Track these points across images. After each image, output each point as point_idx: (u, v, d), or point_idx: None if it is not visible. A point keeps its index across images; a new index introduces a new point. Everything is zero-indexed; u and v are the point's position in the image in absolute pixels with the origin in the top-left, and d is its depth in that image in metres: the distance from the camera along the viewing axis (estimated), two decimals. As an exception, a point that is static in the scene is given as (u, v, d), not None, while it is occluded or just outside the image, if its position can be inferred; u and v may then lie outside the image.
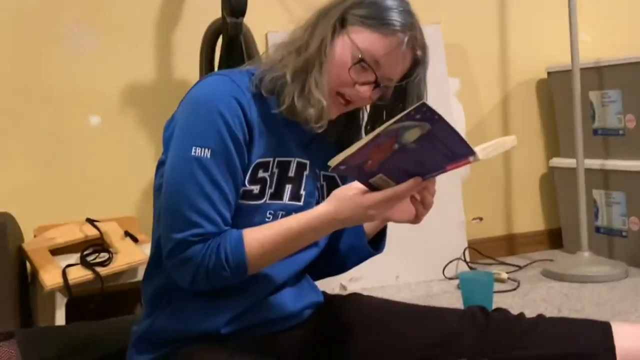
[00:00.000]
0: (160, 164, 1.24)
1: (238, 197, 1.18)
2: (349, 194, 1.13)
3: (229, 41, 2.06)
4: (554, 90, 2.73)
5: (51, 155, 2.15)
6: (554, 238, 2.83)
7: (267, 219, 1.21)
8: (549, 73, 2.74)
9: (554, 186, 2.78)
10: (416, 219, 1.23)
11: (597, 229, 2.56)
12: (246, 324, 1.24)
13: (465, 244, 2.49)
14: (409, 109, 1.00)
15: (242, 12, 1.96)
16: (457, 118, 2.64)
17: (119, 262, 1.90)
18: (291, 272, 1.30)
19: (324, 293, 1.44)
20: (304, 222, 1.15)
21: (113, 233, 2.01)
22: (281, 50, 1.22)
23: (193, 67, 2.16)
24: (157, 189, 1.25)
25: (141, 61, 2.25)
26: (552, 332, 1.40)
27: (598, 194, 2.55)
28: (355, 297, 1.47)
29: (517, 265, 2.54)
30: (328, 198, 1.16)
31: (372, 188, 1.13)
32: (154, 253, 1.25)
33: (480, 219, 2.71)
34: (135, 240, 2.03)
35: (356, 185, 1.14)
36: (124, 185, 2.22)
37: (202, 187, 1.13)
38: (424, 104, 0.99)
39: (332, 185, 1.33)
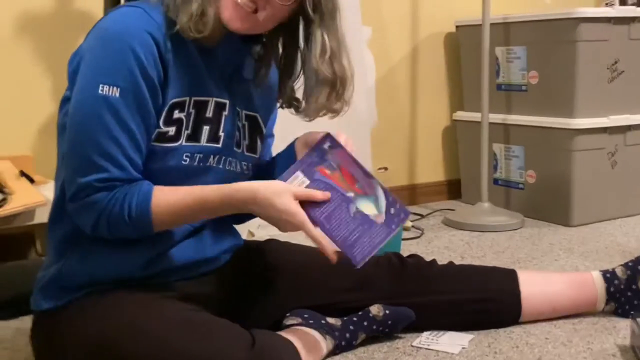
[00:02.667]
0: (65, 101, 1.16)
1: (150, 141, 1.12)
2: (284, 195, 1.11)
3: (137, -29, 1.93)
4: (461, 44, 2.78)
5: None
6: (453, 189, 2.92)
7: (183, 162, 1.16)
8: (457, 27, 2.77)
9: (456, 139, 2.86)
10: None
11: (495, 181, 2.66)
12: (162, 268, 1.19)
13: (372, 193, 2.51)
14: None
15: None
16: (368, 67, 2.63)
17: (15, 204, 1.77)
18: None
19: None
20: (222, 197, 1.11)
21: (7, 172, 1.87)
22: None
23: (97, -2, 2.02)
24: (61, 127, 1.16)
25: (38, -13, 2.08)
26: (463, 278, 1.45)
27: (498, 148, 2.64)
28: (272, 242, 1.46)
29: (419, 214, 2.60)
30: (261, 182, 1.13)
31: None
32: (59, 197, 1.17)
33: (385, 168, 2.74)
34: (31, 180, 1.90)
35: (293, 190, 1.12)
36: (18, 121, 2.07)
37: (109, 128, 1.06)
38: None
39: (254, 125, 1.29)
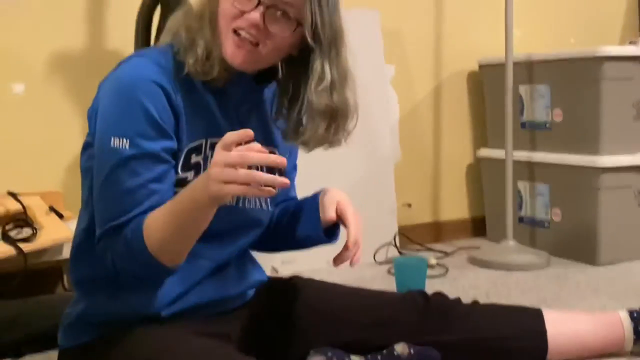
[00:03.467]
0: (86, 146, 1.19)
1: (171, 184, 1.13)
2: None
3: (167, 13, 1.99)
4: (484, 82, 2.79)
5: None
6: (478, 226, 2.90)
7: None
8: (480, 65, 2.79)
9: (480, 176, 2.85)
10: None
11: (521, 219, 2.65)
12: (187, 306, 1.20)
13: (396, 229, 2.51)
14: None
15: (183, -17, 1.89)
16: (392, 104, 2.65)
17: (44, 239, 1.81)
18: (232, 253, 1.27)
19: (265, 275, 1.43)
20: (184, 192, 1.05)
21: (37, 208, 1.90)
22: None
23: (127, 38, 2.07)
24: (84, 171, 1.19)
25: (72, 27, 2.14)
26: (489, 317, 1.44)
27: (523, 185, 2.63)
28: (296, 279, 1.46)
29: (444, 252, 2.59)
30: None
31: None
32: (82, 238, 1.19)
33: (409, 205, 2.74)
34: (60, 216, 1.93)
35: None
36: (49, 158, 2.11)
37: (122, 181, 1.08)
38: None
39: None
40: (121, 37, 2.16)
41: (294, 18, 1.12)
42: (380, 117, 2.51)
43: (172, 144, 1.12)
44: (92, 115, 1.15)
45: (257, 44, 1.11)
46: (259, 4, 1.09)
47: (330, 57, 1.15)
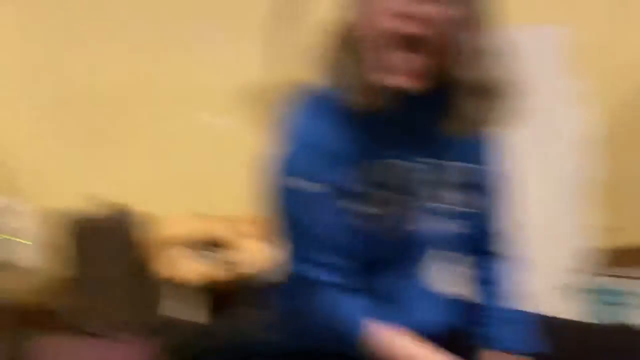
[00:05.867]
0: None
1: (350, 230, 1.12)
2: None
3: (343, 46, 2.01)
4: None
5: (175, 152, 2.23)
6: None
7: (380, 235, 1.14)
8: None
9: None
10: None
11: None
12: None
13: (596, 253, 2.31)
14: None
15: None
16: (585, 121, 2.47)
17: (248, 261, 1.92)
18: (397, 285, 1.23)
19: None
20: None
21: (238, 231, 2.03)
22: None
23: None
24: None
25: (253, 59, 2.21)
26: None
27: None
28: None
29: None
30: None
31: None
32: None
33: (621, 228, 2.51)
34: (259, 239, 2.01)
35: None
36: (245, 183, 2.23)
37: (321, 222, 1.09)
38: None
39: (467, 176, 1.20)
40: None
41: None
42: (569, 135, 2.36)
43: (346, 180, 1.11)
44: (271, 157, 1.14)
45: (418, 50, 1.02)
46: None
47: (470, 28, 1.04)
